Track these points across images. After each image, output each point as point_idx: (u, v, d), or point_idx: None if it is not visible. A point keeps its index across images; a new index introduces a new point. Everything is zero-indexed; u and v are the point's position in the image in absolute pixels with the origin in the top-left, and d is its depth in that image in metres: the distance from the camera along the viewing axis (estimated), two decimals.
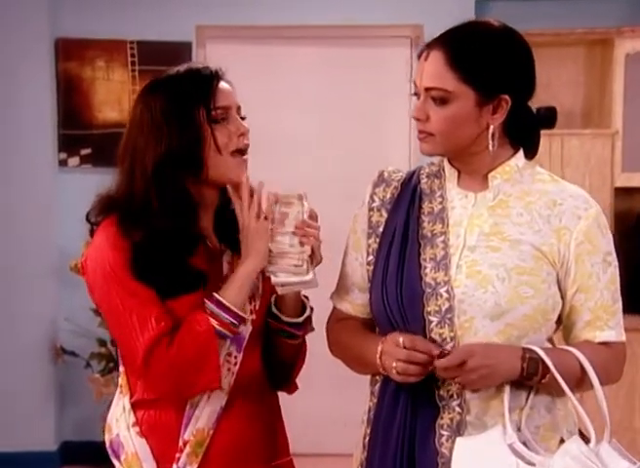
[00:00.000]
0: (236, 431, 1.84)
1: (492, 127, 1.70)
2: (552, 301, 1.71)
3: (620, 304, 1.76)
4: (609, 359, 1.74)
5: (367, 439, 1.79)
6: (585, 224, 1.71)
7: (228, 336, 1.77)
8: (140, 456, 1.82)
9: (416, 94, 1.73)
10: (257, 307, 1.86)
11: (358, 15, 4.61)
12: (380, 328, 1.80)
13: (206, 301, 1.76)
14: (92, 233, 1.85)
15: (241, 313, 1.77)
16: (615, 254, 1.77)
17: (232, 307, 1.76)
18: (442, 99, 1.68)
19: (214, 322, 1.74)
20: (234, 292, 1.77)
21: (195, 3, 4.62)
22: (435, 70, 1.68)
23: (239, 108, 1.88)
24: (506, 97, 1.69)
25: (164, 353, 1.72)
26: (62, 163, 4.64)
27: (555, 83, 4.64)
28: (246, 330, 1.83)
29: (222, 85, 1.85)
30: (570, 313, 1.75)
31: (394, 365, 1.65)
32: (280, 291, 1.80)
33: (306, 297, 1.89)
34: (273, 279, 1.77)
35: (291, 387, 1.99)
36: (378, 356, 1.69)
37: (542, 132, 4.43)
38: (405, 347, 1.64)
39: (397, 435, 1.71)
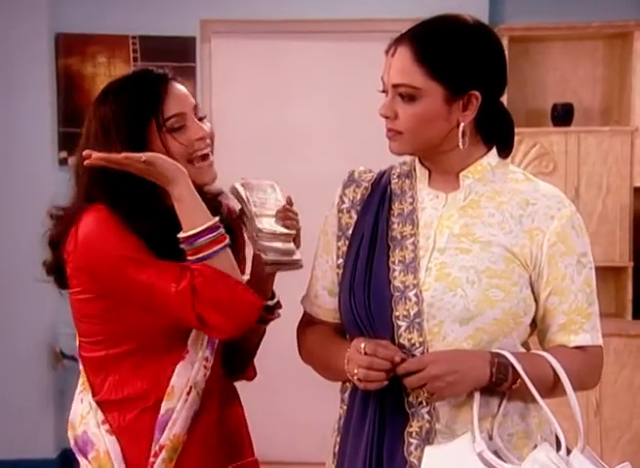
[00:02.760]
0: (207, 435, 1.82)
1: (462, 124, 1.66)
2: (524, 305, 1.67)
3: (596, 307, 1.72)
4: (584, 364, 1.70)
5: (337, 448, 1.76)
6: (559, 224, 1.68)
7: (221, 247, 1.72)
8: (112, 456, 1.79)
9: (384, 91, 1.71)
10: None
11: (367, 8, 4.54)
12: (349, 333, 1.76)
13: (183, 246, 1.72)
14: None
15: (207, 224, 1.71)
16: (591, 256, 1.72)
17: (194, 231, 1.70)
18: (410, 96, 1.64)
19: (201, 255, 1.70)
20: (188, 219, 1.71)
21: None
22: (402, 66, 1.64)
23: (196, 107, 1.83)
24: (476, 92, 1.65)
25: (198, 296, 1.70)
26: (63, 161, 4.54)
27: (572, 79, 4.55)
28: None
29: (174, 89, 1.81)
30: (544, 316, 1.71)
31: (355, 371, 1.61)
32: (268, 269, 1.80)
33: None
34: (264, 257, 1.77)
35: (251, 373, 1.97)
36: (345, 362, 1.65)
37: (559, 129, 4.24)
38: (366, 353, 1.60)
39: (366, 444, 1.67)
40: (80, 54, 4.56)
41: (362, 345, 1.61)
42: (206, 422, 1.82)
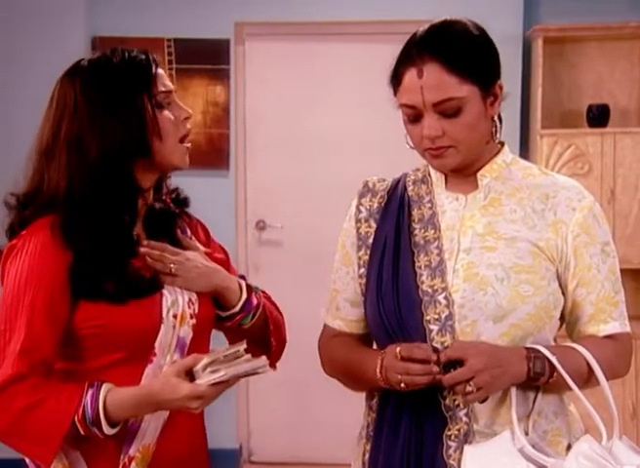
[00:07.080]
0: (178, 445, 1.73)
1: (496, 117, 1.69)
2: (553, 298, 1.68)
3: (622, 295, 1.73)
4: (615, 352, 1.71)
5: (367, 456, 1.75)
6: (581, 216, 1.69)
7: (80, 433, 1.59)
8: None
9: (416, 115, 1.65)
10: (196, 311, 1.74)
11: (401, 9, 4.51)
12: (377, 341, 1.76)
13: (86, 390, 1.59)
14: (11, 233, 1.70)
15: (106, 430, 1.59)
16: (613, 245, 1.73)
17: (102, 420, 1.58)
18: (456, 109, 1.62)
19: (77, 413, 1.57)
20: (121, 409, 1.60)
21: None
22: (439, 83, 1.61)
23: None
24: (500, 82, 1.68)
25: (15, 396, 1.57)
26: None
27: (608, 80, 4.50)
28: (187, 335, 1.71)
29: (160, 69, 1.75)
30: (572, 308, 1.72)
31: (399, 377, 1.60)
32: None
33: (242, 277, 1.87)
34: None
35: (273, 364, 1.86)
36: (378, 370, 1.64)
37: (594, 130, 4.21)
38: (402, 357, 1.59)
39: (402, 450, 1.67)
40: None
41: (397, 350, 1.60)
42: (177, 432, 1.71)
